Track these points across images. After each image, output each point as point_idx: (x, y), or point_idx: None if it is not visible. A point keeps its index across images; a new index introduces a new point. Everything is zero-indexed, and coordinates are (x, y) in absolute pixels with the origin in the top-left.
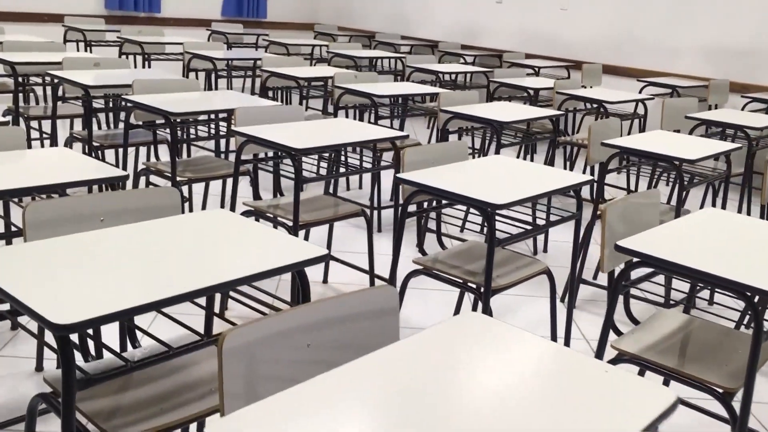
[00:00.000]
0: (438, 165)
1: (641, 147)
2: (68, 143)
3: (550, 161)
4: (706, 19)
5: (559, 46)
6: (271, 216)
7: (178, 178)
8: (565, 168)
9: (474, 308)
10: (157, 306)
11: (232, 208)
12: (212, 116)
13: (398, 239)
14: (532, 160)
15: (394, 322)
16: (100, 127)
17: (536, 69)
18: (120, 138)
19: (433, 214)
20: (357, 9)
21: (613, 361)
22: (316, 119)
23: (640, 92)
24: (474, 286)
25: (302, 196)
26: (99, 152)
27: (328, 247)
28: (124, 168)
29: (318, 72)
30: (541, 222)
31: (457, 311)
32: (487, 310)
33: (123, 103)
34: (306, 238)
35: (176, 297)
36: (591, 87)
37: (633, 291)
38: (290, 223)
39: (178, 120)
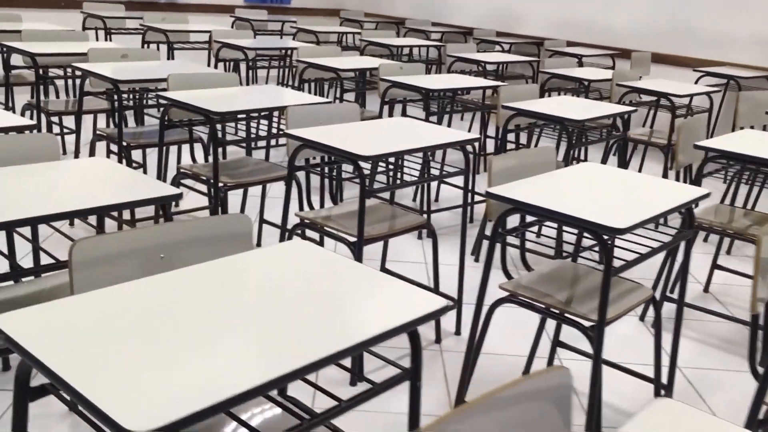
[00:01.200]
0: (524, 175)
1: (744, 151)
2: (93, 144)
3: (622, 164)
4: (763, 5)
5: (602, 34)
6: (331, 230)
7: (219, 184)
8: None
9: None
10: (264, 389)
11: (284, 220)
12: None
13: (488, 265)
14: (604, 162)
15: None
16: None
17: (579, 57)
18: (149, 136)
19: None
20: None
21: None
22: (370, 118)
23: (696, 83)
24: (576, 318)
25: (357, 205)
26: (127, 152)
27: (383, 260)
28: (163, 174)
29: (358, 63)
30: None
31: (538, 339)
32: (600, 349)
33: (146, 98)
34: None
35: (287, 375)
36: (641, 78)
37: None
38: (351, 239)
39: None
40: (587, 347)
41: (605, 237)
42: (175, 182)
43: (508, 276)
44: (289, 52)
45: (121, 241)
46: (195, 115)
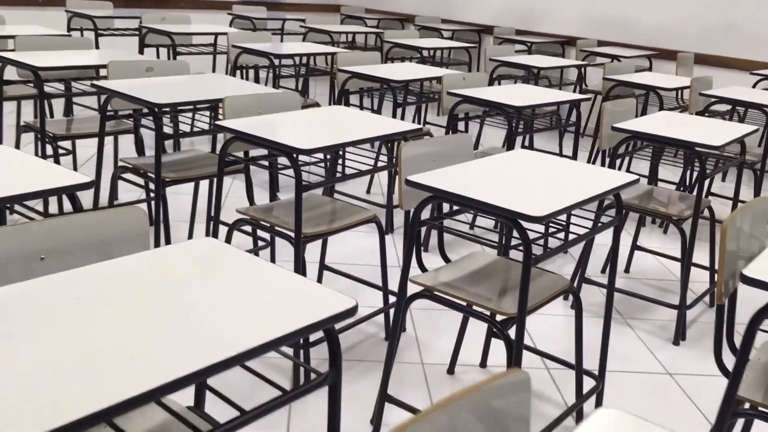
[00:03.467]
0: (441, 164)
1: (657, 131)
2: (18, 135)
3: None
4: None
5: (636, 32)
6: (269, 226)
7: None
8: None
9: (492, 335)
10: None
11: (216, 216)
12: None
13: (408, 255)
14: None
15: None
16: (52, 115)
17: (612, 59)
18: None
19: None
20: None
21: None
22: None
23: (753, 87)
24: (488, 313)
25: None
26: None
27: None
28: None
29: (411, 73)
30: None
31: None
32: (517, 343)
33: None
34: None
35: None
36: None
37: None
38: (292, 234)
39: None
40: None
41: (524, 225)
42: (115, 177)
43: (423, 269)
44: (311, 58)
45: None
46: (136, 106)
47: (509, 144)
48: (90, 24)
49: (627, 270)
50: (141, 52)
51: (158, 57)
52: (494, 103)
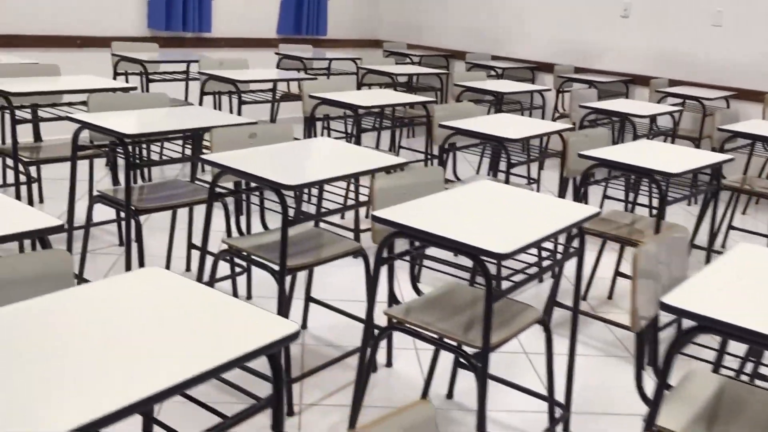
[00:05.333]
0: (412, 195)
1: (624, 160)
2: None
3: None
4: None
5: (708, 70)
6: (258, 260)
7: (133, 207)
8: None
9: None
10: None
11: (204, 246)
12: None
13: (372, 290)
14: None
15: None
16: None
17: (684, 98)
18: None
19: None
20: (428, 23)
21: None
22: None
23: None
24: (455, 344)
25: (289, 231)
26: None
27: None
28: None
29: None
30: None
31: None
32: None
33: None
34: (293, 278)
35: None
36: None
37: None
38: (276, 267)
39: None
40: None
41: (486, 261)
42: (90, 209)
43: (395, 301)
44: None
45: None
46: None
47: (494, 173)
48: (135, 67)
49: (610, 297)
50: (200, 102)
51: (218, 104)
52: (490, 136)
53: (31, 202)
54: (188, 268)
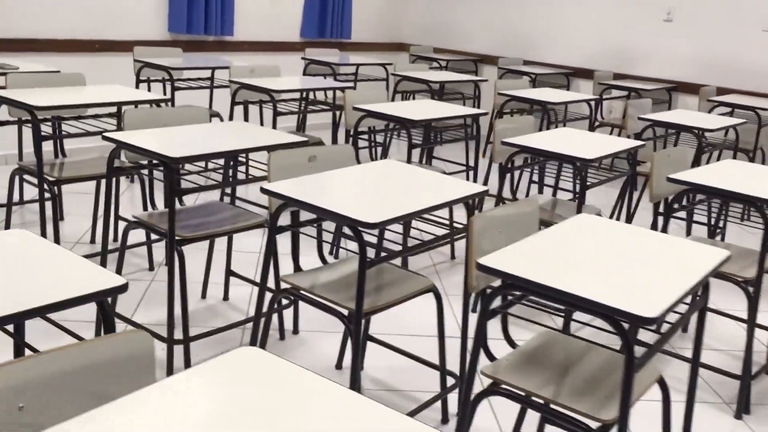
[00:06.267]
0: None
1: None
2: (12, 180)
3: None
4: None
5: (757, 77)
6: (325, 303)
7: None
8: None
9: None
10: None
11: (264, 281)
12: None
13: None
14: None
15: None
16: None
17: (733, 107)
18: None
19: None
20: (455, 26)
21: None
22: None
23: None
24: (345, 312)
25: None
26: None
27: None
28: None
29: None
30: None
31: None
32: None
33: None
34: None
35: None
36: None
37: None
38: (344, 311)
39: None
40: None
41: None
42: (125, 235)
43: (491, 357)
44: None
45: None
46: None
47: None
48: (158, 73)
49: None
50: (231, 113)
51: (247, 115)
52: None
53: (55, 221)
54: (226, 297)
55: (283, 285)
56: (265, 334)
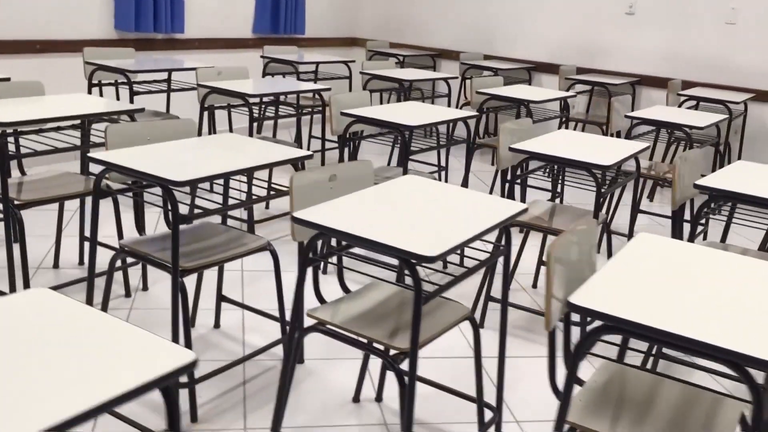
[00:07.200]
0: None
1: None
2: None
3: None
4: None
5: (723, 72)
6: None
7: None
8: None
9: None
10: None
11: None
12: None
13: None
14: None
15: None
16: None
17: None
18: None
19: None
20: (411, 20)
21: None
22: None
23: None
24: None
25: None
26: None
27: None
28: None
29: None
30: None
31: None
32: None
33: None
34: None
35: None
36: None
37: None
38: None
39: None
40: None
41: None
42: (112, 264)
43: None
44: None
45: None
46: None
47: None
48: (110, 76)
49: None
50: (201, 120)
51: (213, 120)
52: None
53: (22, 247)
54: (217, 324)
55: (309, 321)
56: (291, 373)
